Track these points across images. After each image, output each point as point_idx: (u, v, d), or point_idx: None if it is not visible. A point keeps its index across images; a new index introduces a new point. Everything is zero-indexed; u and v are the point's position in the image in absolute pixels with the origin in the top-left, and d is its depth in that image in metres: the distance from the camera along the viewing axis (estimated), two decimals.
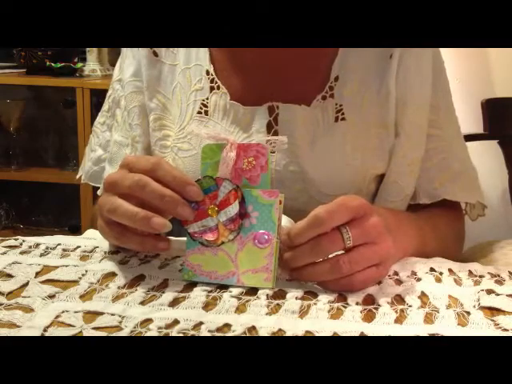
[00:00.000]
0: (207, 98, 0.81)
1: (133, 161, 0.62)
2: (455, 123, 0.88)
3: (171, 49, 0.84)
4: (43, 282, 0.59)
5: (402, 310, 0.55)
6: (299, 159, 0.78)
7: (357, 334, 0.50)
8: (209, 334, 0.50)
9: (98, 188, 0.90)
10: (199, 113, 0.81)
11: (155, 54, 0.84)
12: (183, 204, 0.59)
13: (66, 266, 0.63)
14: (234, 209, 0.60)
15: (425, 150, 0.83)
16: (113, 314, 0.53)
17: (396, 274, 0.63)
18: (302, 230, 0.58)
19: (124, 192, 0.60)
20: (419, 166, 0.82)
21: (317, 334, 0.50)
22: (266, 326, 0.51)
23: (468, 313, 0.55)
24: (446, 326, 0.52)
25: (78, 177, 0.95)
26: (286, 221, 0.67)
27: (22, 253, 0.67)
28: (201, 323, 0.52)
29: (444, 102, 0.85)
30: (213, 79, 0.81)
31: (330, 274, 0.58)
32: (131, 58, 0.85)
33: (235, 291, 0.58)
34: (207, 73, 0.82)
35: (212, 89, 0.81)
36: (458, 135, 0.88)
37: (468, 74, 1.75)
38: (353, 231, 0.58)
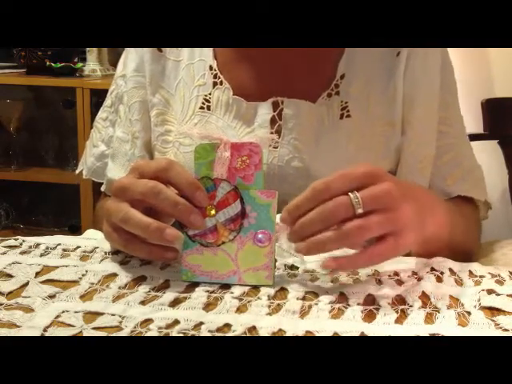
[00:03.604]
0: (210, 94, 0.81)
1: (143, 165, 0.62)
2: (462, 122, 0.88)
3: None
4: (43, 282, 0.59)
5: (402, 310, 0.55)
6: (303, 155, 0.78)
7: (357, 334, 0.50)
8: (209, 334, 0.50)
9: (99, 186, 0.90)
10: (201, 108, 0.81)
11: (159, 50, 0.84)
12: (196, 213, 0.59)
13: (66, 266, 0.63)
14: (234, 209, 0.60)
15: (436, 146, 0.82)
16: (113, 314, 0.53)
17: (397, 274, 0.63)
18: (300, 201, 0.57)
19: (136, 198, 0.60)
20: (431, 162, 0.81)
21: (317, 334, 0.50)
22: (267, 326, 0.51)
23: (469, 313, 0.55)
24: (447, 326, 0.52)
25: (77, 172, 0.94)
26: None
27: (22, 253, 0.67)
28: (201, 323, 0.51)
29: (452, 99, 0.85)
30: (216, 74, 0.81)
31: (336, 241, 0.55)
32: (134, 54, 0.85)
33: (237, 292, 0.58)
34: (210, 68, 0.81)
35: (215, 84, 0.81)
36: (465, 134, 0.88)
37: (468, 74, 1.74)
38: (362, 196, 0.55)
